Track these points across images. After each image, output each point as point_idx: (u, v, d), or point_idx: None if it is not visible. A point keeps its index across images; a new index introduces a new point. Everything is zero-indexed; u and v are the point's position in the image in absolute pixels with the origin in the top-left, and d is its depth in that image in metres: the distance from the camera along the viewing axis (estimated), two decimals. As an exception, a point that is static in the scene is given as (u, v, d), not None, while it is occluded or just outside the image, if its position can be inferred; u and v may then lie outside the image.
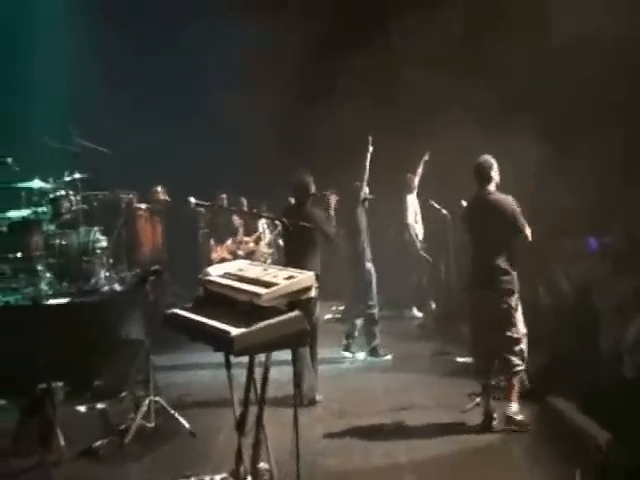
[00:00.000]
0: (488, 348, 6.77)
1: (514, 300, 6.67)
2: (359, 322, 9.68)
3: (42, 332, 6.65)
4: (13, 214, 9.06)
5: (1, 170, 9.39)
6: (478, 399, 7.18)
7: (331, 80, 12.81)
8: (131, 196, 11.64)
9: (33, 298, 8.18)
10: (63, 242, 9.19)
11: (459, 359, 9.12)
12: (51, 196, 9.42)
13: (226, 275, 5.37)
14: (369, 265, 9.56)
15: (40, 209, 9.21)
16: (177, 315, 5.28)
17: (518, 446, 6.29)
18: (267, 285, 4.76)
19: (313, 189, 8.00)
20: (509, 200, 6.67)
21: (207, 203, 6.96)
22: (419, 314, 12.47)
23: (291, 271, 5.02)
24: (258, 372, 4.91)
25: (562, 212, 9.76)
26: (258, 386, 5.12)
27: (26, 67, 11.97)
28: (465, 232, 7.09)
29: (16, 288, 8.77)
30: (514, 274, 6.65)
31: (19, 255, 8.70)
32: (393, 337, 10.96)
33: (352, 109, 11.89)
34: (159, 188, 12.24)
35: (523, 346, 6.73)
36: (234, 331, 4.42)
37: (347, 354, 9.63)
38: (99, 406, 7.49)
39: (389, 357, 9.60)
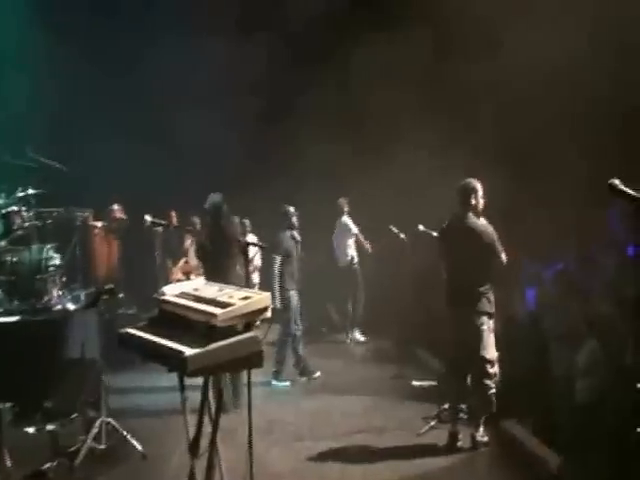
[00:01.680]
0: (462, 367, 6.80)
1: (490, 322, 6.76)
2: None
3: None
4: (-38, 230, 8.87)
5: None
6: (433, 422, 7.24)
7: (292, 99, 12.83)
8: (87, 214, 11.46)
9: (-18, 316, 8.00)
10: (14, 259, 8.96)
11: (415, 382, 9.15)
12: (2, 212, 9.20)
13: (182, 295, 5.30)
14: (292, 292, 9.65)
15: (-10, 225, 9.02)
16: (131, 334, 5.20)
17: (472, 470, 6.32)
18: (223, 305, 4.72)
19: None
20: (487, 227, 6.77)
21: (163, 222, 6.91)
22: (362, 338, 12.44)
23: (247, 291, 4.99)
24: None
25: (523, 236, 9.87)
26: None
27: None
28: (441, 252, 7.10)
29: (-36, 305, 8.60)
30: (491, 297, 6.74)
31: (-31, 271, 8.51)
32: (348, 360, 10.98)
33: (312, 129, 11.92)
34: (115, 206, 12.08)
35: (496, 369, 6.80)
36: (188, 351, 4.37)
37: (276, 382, 9.50)
38: (49, 427, 7.32)
39: (318, 373, 9.71)
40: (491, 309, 6.74)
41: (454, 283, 6.88)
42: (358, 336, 12.45)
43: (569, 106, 9.36)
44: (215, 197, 8.51)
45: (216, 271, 7.85)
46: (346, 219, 12.46)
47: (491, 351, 6.74)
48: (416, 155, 10.69)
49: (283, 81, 13.17)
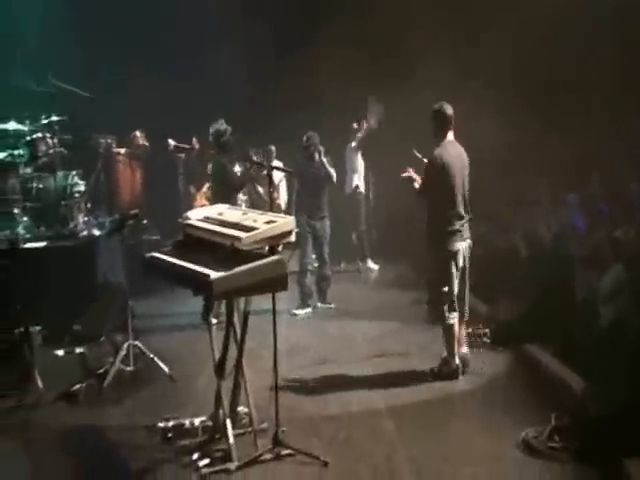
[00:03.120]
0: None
1: None
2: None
3: (19, 276, 6.58)
4: (-12, 156, 8.91)
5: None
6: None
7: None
8: (110, 140, 11.47)
9: (10, 241, 8.08)
10: (40, 186, 9.03)
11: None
12: (28, 138, 9.22)
13: (206, 219, 5.34)
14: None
15: (16, 152, 9.01)
16: (156, 259, 5.27)
17: (495, 393, 6.35)
18: (247, 229, 4.75)
19: None
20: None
21: (187, 146, 6.88)
22: (375, 266, 12.32)
23: (271, 215, 5.01)
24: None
25: (546, 165, 9.80)
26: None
27: (1, 7, 11.64)
28: (446, 179, 6.59)
29: (-8, 231, 8.70)
30: None
31: (-5, 198, 8.57)
32: (368, 286, 11.02)
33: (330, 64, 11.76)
34: (138, 133, 12.04)
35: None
36: (213, 274, 4.42)
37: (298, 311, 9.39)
38: (77, 350, 7.47)
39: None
40: None
41: (453, 212, 6.60)
42: (371, 264, 12.28)
43: (593, 36, 9.18)
44: (216, 125, 8.50)
45: (217, 197, 7.89)
46: (352, 143, 12.06)
47: None
48: (434, 86, 10.55)
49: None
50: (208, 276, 4.42)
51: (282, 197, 12.08)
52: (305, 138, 9.39)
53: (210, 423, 5.28)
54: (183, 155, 11.26)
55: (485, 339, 7.49)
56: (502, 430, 5.42)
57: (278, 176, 11.03)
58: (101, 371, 6.56)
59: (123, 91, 11.86)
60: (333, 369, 7.08)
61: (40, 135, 9.27)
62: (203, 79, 12.47)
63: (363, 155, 12.15)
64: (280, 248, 4.79)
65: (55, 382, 6.43)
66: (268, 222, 4.82)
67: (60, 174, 9.20)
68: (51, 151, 9.30)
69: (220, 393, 5.09)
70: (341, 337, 8.07)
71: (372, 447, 5.30)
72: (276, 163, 11.28)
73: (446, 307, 6.68)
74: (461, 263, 6.66)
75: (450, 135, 6.71)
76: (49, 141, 9.31)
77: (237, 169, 9.81)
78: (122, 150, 11.70)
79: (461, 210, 6.62)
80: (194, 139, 11.75)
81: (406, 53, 11.58)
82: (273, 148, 11.95)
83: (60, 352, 7.50)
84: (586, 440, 4.91)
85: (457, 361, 6.68)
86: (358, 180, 12.14)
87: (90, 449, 5.53)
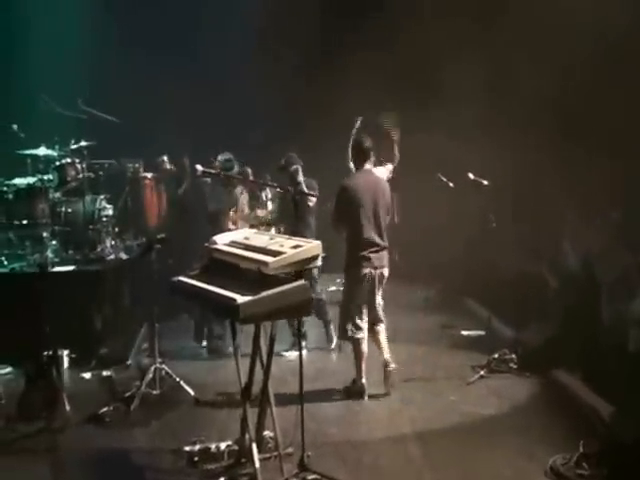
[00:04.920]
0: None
1: None
2: None
3: (48, 299, 6.65)
4: (19, 181, 9.03)
5: (7, 137, 9.39)
6: (482, 372, 7.24)
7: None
8: (137, 165, 11.59)
9: (39, 265, 8.18)
10: (69, 210, 9.16)
11: (464, 332, 9.16)
12: (57, 163, 9.40)
13: (232, 243, 5.37)
14: None
15: (46, 176, 9.18)
16: (183, 283, 5.29)
17: (522, 419, 6.30)
18: (274, 254, 4.76)
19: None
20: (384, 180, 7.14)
21: (213, 171, 6.93)
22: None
23: (297, 240, 5.03)
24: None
25: (570, 189, 9.74)
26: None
27: (33, 33, 11.85)
28: (353, 208, 6.81)
29: (22, 255, 8.82)
30: None
31: (25, 222, 8.70)
32: (397, 309, 10.95)
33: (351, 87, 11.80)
34: (165, 157, 12.16)
35: None
36: (240, 299, 4.43)
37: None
38: (104, 373, 7.52)
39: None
40: None
41: (367, 238, 6.84)
42: None
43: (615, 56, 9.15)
44: (221, 157, 8.62)
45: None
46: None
47: None
48: (461, 106, 10.58)
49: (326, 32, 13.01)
50: (235, 300, 4.44)
51: None
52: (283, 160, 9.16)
53: (236, 447, 5.29)
54: (209, 180, 11.36)
55: (512, 365, 7.44)
56: (530, 457, 5.38)
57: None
58: (128, 394, 6.60)
59: (151, 116, 11.98)
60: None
61: (69, 160, 9.44)
62: (230, 103, 12.59)
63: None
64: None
65: (82, 405, 6.45)
66: (294, 247, 4.83)
67: (88, 198, 9.33)
68: (80, 176, 9.44)
69: (246, 417, 5.10)
70: (366, 361, 8.04)
71: (398, 472, 5.28)
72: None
73: (350, 325, 6.87)
74: (370, 288, 6.84)
75: (367, 165, 7.08)
76: (78, 166, 9.47)
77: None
78: (149, 175, 11.81)
79: (371, 237, 6.80)
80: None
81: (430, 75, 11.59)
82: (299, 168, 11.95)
83: (87, 375, 7.55)
84: (615, 467, 4.86)
85: (363, 380, 6.88)
86: None
87: (117, 472, 5.55)
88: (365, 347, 6.94)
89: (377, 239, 6.83)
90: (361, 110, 11.19)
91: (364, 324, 6.92)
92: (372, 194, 6.88)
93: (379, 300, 7.02)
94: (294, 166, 8.46)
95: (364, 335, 6.93)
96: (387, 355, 6.98)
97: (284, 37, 12.63)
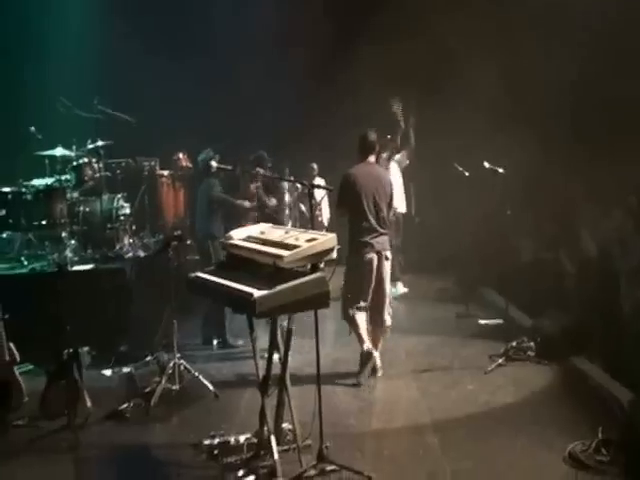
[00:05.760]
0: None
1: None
2: None
3: (68, 298, 6.71)
4: (37, 182, 9.14)
5: (25, 139, 9.49)
6: (500, 360, 7.26)
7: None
8: (153, 163, 11.65)
9: (58, 264, 8.24)
10: (87, 209, 9.24)
11: (481, 321, 9.16)
12: (74, 164, 9.49)
13: (249, 238, 5.41)
14: None
15: (64, 177, 9.29)
16: (200, 278, 5.35)
17: (541, 406, 6.31)
18: (289, 247, 4.79)
19: None
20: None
21: (229, 167, 6.96)
22: (404, 289, 11.50)
23: (313, 233, 5.05)
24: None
25: (592, 175, 9.70)
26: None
27: (48, 35, 11.93)
28: (354, 195, 7.12)
29: (41, 255, 8.95)
30: None
31: (44, 222, 8.76)
32: (412, 300, 10.97)
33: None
34: (181, 154, 12.21)
35: None
36: (256, 293, 4.47)
37: None
38: (124, 370, 7.59)
39: None
40: None
41: (370, 226, 7.15)
42: (401, 289, 11.41)
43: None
44: (202, 155, 8.73)
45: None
46: (393, 164, 11.36)
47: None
48: (476, 97, 10.55)
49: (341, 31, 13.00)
50: (251, 295, 4.48)
51: (324, 214, 12.09)
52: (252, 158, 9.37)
53: (255, 440, 5.33)
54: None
55: (530, 353, 7.44)
56: (549, 444, 5.38)
57: (320, 194, 11.05)
58: (148, 390, 6.65)
59: (165, 113, 12.04)
60: (376, 384, 7.09)
61: (86, 160, 9.52)
62: (243, 101, 12.62)
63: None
64: (322, 265, 4.84)
65: (103, 402, 6.51)
66: (310, 240, 4.85)
67: (106, 198, 9.40)
68: (97, 175, 9.53)
69: (264, 410, 5.14)
70: (384, 352, 8.06)
71: (416, 462, 5.31)
72: (318, 180, 11.33)
73: (353, 309, 7.18)
74: (374, 272, 7.09)
75: (371, 158, 7.38)
76: (95, 166, 9.56)
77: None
78: (165, 172, 11.87)
79: (372, 224, 7.10)
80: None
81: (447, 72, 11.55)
82: (315, 166, 11.97)
83: (108, 372, 7.63)
84: (634, 453, 4.85)
85: (366, 346, 7.16)
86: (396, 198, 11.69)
87: (138, 467, 5.63)
88: (361, 320, 7.21)
89: (377, 226, 7.13)
90: (374, 105, 11.36)
91: (364, 304, 7.21)
92: (373, 184, 7.20)
93: (388, 288, 7.36)
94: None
95: (363, 314, 7.23)
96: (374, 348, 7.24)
97: (296, 36, 12.62)
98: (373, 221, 7.11)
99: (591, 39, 9.38)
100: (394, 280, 11.39)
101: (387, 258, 7.19)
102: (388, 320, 7.36)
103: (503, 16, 10.85)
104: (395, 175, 11.37)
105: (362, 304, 7.18)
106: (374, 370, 7.19)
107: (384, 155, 11.31)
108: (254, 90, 12.55)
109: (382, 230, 7.16)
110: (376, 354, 7.20)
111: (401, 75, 12.00)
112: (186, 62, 12.47)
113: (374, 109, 11.64)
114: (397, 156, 11.28)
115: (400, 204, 11.44)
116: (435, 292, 11.46)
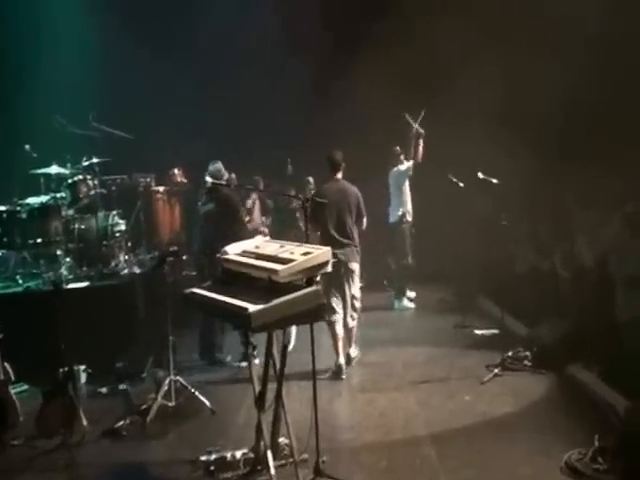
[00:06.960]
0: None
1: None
2: None
3: (63, 316, 6.71)
4: (32, 200, 9.11)
5: (20, 157, 9.49)
6: (496, 370, 7.26)
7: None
8: (149, 179, 11.64)
9: (54, 282, 8.23)
10: (82, 227, 9.21)
11: (478, 331, 9.17)
12: (69, 181, 9.47)
13: (244, 253, 5.41)
14: None
15: (59, 194, 9.26)
16: (196, 294, 5.34)
17: (537, 415, 6.31)
18: (284, 262, 4.79)
19: None
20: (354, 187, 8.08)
21: (224, 182, 6.99)
22: (411, 305, 11.40)
23: (307, 247, 5.05)
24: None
25: (586, 183, 9.72)
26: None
27: (44, 53, 11.96)
28: (320, 210, 7.44)
29: (36, 273, 8.92)
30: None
31: (39, 241, 8.76)
32: (413, 311, 10.99)
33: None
34: (176, 170, 12.21)
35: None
36: (251, 308, 4.47)
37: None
38: (121, 387, 7.57)
39: None
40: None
41: (335, 235, 7.81)
42: (407, 303, 11.31)
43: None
44: (212, 167, 8.43)
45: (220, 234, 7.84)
46: (400, 167, 11.20)
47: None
48: (471, 106, 10.58)
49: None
50: (246, 309, 4.47)
51: (256, 219, 12.08)
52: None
53: (252, 455, 5.33)
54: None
55: (526, 362, 7.45)
56: (547, 454, 5.39)
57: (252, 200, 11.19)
58: (144, 407, 6.64)
59: (161, 130, 12.07)
60: (373, 396, 7.08)
61: (81, 177, 9.51)
62: (241, 116, 12.67)
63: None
64: (318, 279, 4.84)
65: (99, 419, 6.51)
66: (305, 254, 4.85)
67: (101, 215, 9.37)
68: (92, 192, 9.51)
69: (261, 425, 5.13)
70: (382, 364, 8.07)
71: (414, 475, 5.30)
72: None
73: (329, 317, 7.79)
74: (337, 279, 7.69)
75: (338, 175, 8.14)
76: (90, 183, 9.53)
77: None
78: (161, 188, 11.85)
79: (334, 235, 7.76)
80: (232, 175, 11.92)
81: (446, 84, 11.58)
82: (311, 179, 11.98)
83: (104, 389, 7.60)
84: (631, 461, 4.85)
85: (340, 360, 7.75)
86: (404, 208, 11.18)
87: (135, 485, 5.62)
88: (339, 329, 7.88)
89: (339, 237, 7.79)
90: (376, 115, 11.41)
91: (339, 308, 7.90)
92: (338, 199, 7.88)
93: (353, 292, 7.98)
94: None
95: (339, 318, 7.89)
96: (342, 356, 7.81)
97: (296, 46, 12.67)
98: (334, 232, 7.79)
99: (585, 52, 9.45)
100: (401, 294, 11.47)
101: (350, 270, 7.85)
102: (350, 322, 7.99)
103: (498, 30, 10.90)
104: (407, 182, 11.24)
105: (336, 307, 7.88)
106: (339, 372, 7.70)
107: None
108: (254, 105, 12.59)
109: (345, 241, 7.83)
110: (342, 360, 7.77)
111: (400, 84, 12.06)
112: (183, 77, 12.53)
113: (372, 121, 11.77)
114: (402, 166, 11.18)
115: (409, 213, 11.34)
116: (434, 303, 11.43)
